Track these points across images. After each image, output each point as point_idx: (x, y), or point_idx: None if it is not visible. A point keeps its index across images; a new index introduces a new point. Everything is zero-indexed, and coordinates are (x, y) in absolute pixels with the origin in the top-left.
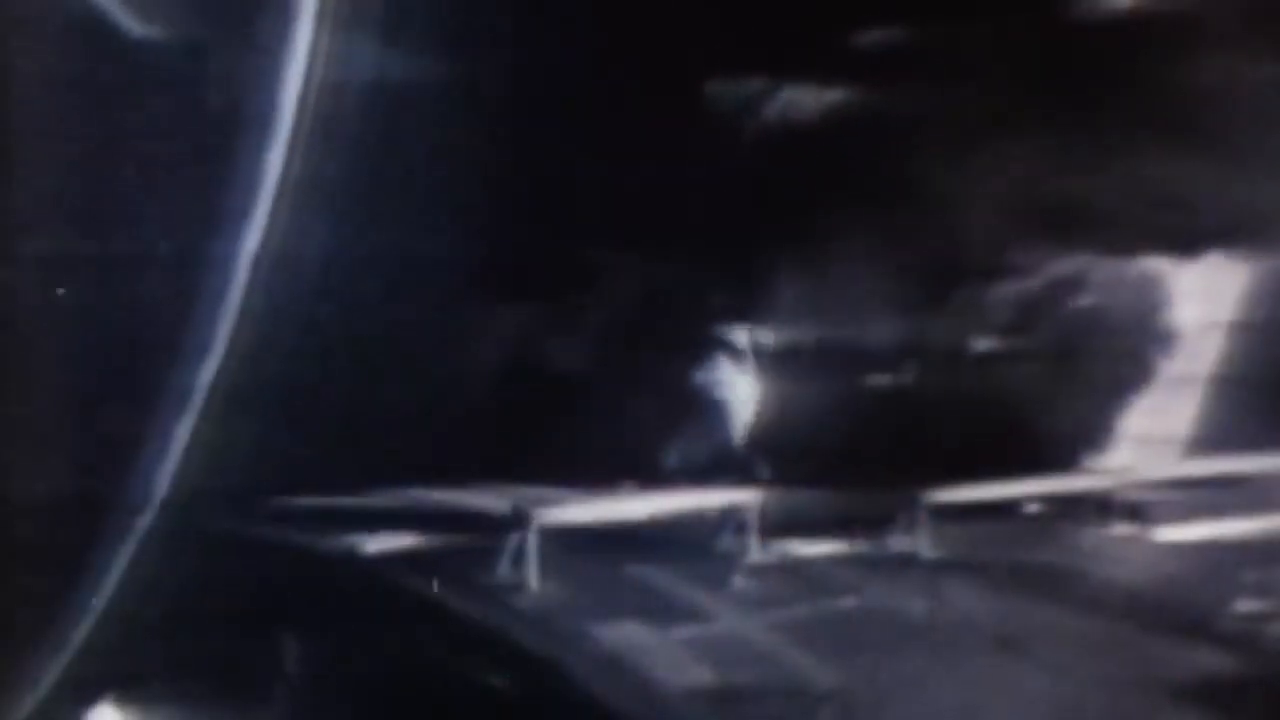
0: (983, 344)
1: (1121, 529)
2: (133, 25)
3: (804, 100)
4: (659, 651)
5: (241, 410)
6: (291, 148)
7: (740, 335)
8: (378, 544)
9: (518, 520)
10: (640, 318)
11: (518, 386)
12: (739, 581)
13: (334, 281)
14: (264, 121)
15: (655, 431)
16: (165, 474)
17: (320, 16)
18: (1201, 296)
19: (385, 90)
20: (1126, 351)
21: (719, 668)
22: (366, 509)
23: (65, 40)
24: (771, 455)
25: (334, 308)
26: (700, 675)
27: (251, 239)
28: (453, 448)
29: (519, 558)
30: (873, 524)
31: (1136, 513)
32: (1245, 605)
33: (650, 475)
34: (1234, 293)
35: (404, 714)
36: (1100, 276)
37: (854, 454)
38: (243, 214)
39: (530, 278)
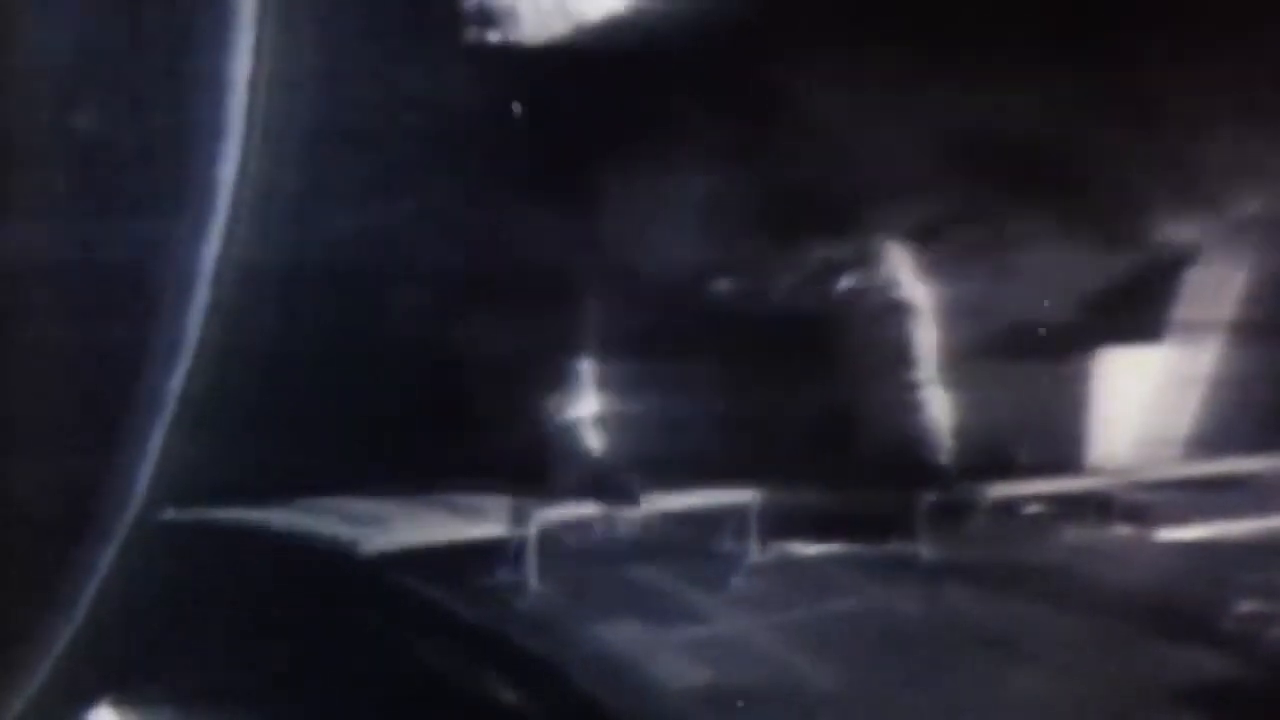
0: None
1: (1121, 529)
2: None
3: None
4: (658, 652)
5: (235, 410)
6: (251, 143)
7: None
8: (375, 544)
9: (517, 520)
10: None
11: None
12: (739, 582)
13: (317, 278)
14: (216, 120)
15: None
16: (160, 475)
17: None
18: (1201, 296)
19: (343, 85)
20: (1126, 350)
21: (719, 668)
22: (364, 509)
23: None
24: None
25: (317, 306)
26: (700, 676)
27: (216, 237)
28: (440, 449)
29: (518, 558)
30: (872, 525)
31: (1136, 513)
32: (1246, 606)
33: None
34: (1234, 292)
35: (401, 715)
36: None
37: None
38: (206, 210)
39: (498, 275)
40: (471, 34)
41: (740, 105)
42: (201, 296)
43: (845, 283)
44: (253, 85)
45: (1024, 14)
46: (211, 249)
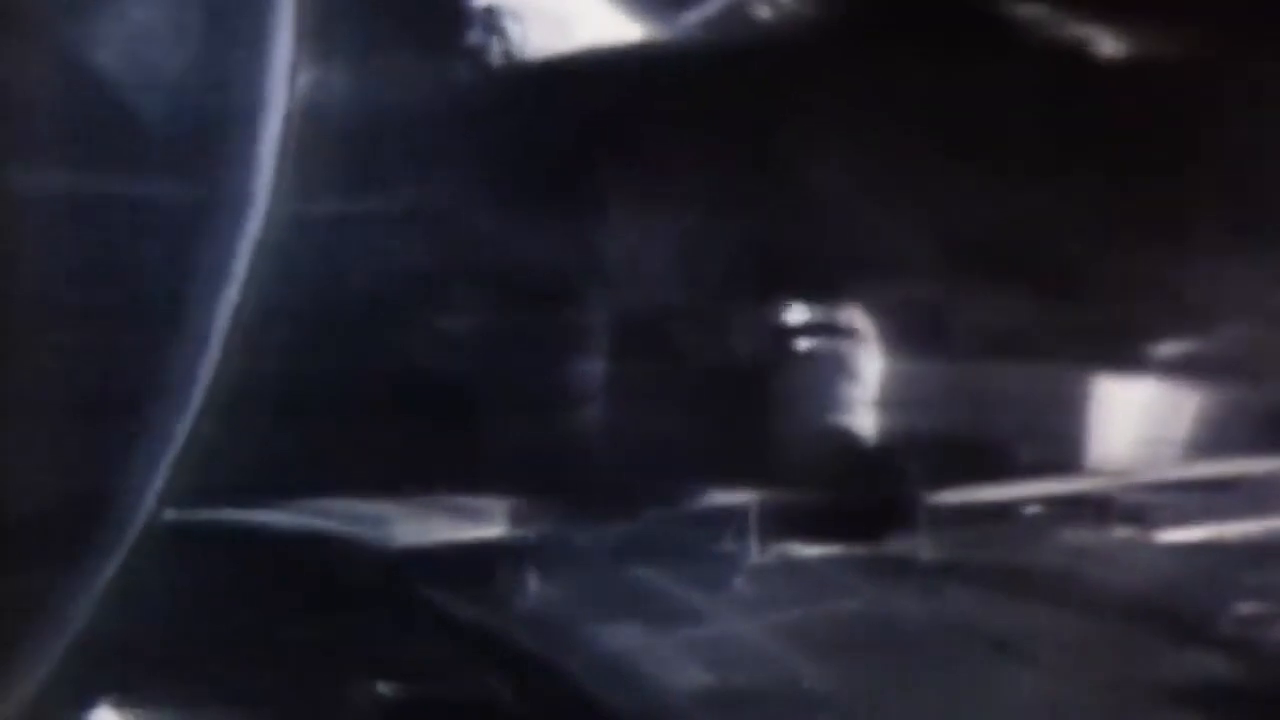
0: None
1: (1121, 531)
2: None
3: None
4: (658, 653)
5: (238, 411)
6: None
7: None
8: (375, 544)
9: (518, 521)
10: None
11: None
12: (738, 583)
13: (329, 283)
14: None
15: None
16: (160, 474)
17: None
18: (1202, 296)
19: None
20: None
21: (718, 670)
22: (366, 510)
23: None
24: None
25: (330, 311)
26: (700, 677)
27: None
28: (441, 451)
29: (519, 558)
30: (872, 526)
31: (1136, 514)
32: (1245, 608)
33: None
34: (1234, 291)
35: (402, 715)
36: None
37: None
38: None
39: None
40: (472, 45)
41: (728, 150)
42: (227, 301)
43: (804, 344)
44: (291, 82)
45: (1026, 105)
46: (240, 255)
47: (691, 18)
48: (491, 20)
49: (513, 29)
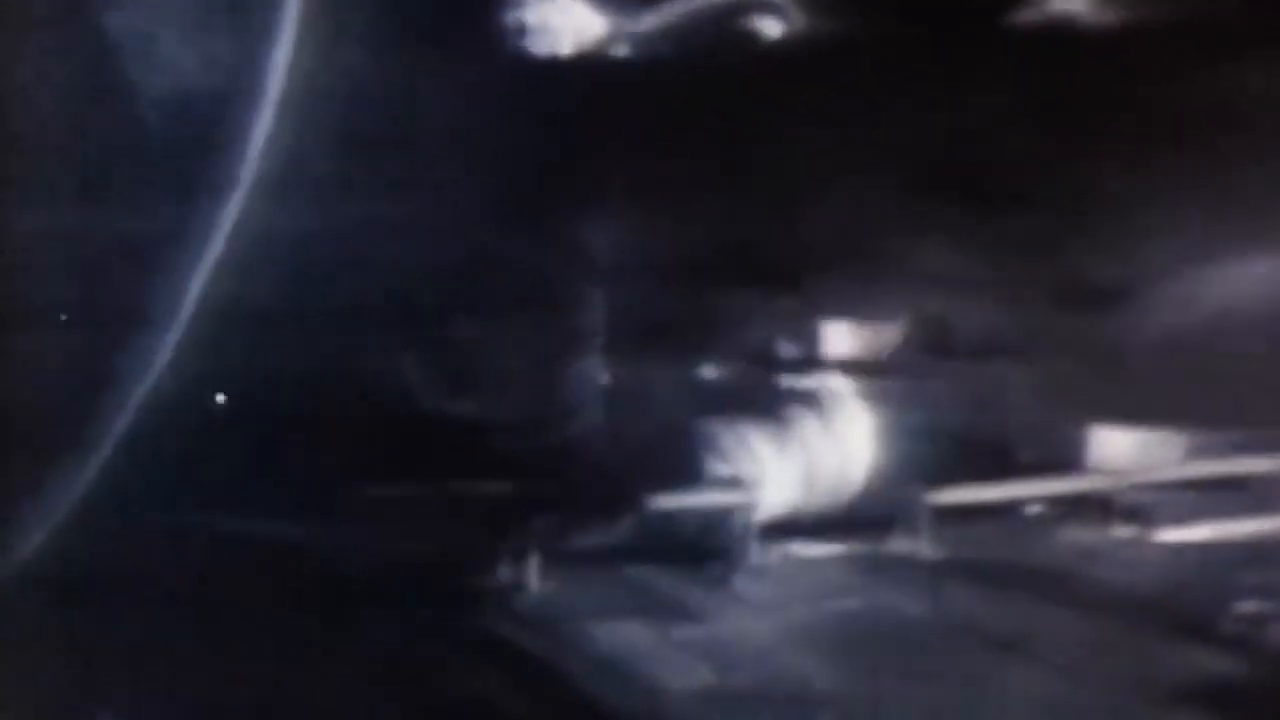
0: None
1: (1122, 530)
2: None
3: None
4: (659, 653)
5: (241, 413)
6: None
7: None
8: (378, 544)
9: (520, 522)
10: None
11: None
12: (739, 583)
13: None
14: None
15: None
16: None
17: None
18: (1203, 295)
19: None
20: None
21: (719, 669)
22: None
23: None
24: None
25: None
26: (700, 677)
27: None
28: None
29: (522, 558)
30: (874, 525)
31: (1137, 514)
32: (1245, 606)
33: None
34: (1233, 291)
35: (401, 716)
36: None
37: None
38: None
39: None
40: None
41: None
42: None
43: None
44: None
45: (996, 82)
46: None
47: (653, 20)
48: (490, 31)
49: (510, 39)
